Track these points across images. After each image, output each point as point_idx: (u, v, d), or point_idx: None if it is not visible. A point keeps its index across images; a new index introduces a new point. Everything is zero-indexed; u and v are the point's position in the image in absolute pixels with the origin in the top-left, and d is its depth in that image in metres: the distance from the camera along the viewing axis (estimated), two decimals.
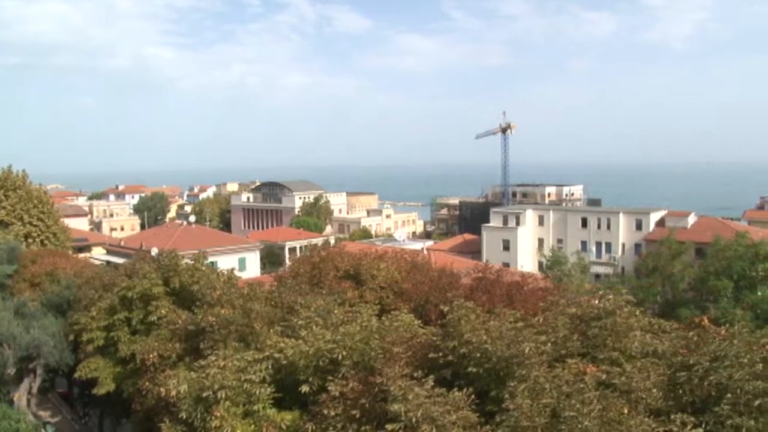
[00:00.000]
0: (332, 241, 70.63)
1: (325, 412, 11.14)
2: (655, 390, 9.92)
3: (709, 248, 38.40)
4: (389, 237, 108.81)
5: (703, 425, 9.24)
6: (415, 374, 10.67)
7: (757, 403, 9.19)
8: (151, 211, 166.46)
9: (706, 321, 11.75)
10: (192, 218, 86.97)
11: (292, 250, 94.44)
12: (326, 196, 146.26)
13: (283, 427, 12.12)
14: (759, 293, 31.83)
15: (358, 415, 10.68)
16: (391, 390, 10.01)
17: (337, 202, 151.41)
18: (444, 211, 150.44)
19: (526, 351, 10.42)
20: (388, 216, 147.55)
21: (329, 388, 11.58)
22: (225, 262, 40.51)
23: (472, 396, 10.07)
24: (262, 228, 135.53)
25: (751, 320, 20.12)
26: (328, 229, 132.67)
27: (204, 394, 12.19)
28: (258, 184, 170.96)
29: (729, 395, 9.48)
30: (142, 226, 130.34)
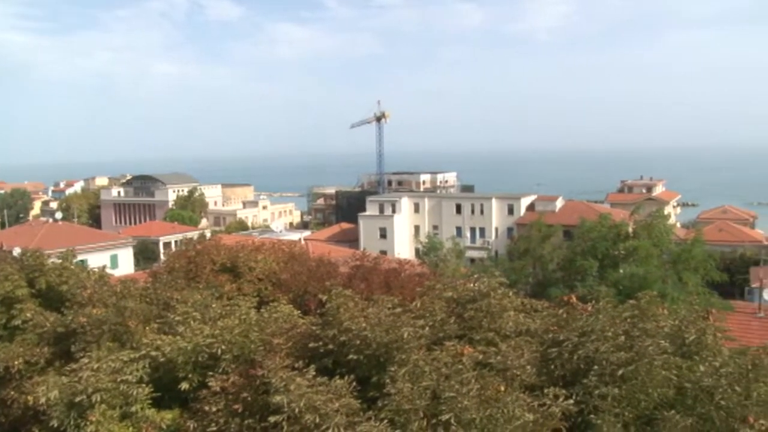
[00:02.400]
0: (208, 234, 69.11)
1: (207, 408, 10.93)
2: (528, 367, 10.33)
3: (576, 230, 40.23)
4: (266, 228, 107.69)
5: (574, 396, 9.70)
6: (297, 365, 10.64)
7: (620, 372, 9.78)
8: (12, 209, 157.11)
9: (574, 299, 12.33)
10: (58, 215, 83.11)
11: (167, 244, 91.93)
12: (201, 189, 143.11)
13: (164, 426, 11.81)
14: (621, 271, 33.65)
15: (240, 409, 10.55)
16: (273, 382, 9.95)
17: (213, 195, 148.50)
18: (321, 200, 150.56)
19: (405, 336, 10.59)
20: (264, 207, 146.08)
21: (210, 383, 11.37)
22: (96, 260, 38.94)
23: (354, 383, 10.15)
24: (135, 223, 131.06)
25: (615, 296, 21.26)
26: (204, 222, 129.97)
27: (77, 399, 11.67)
28: (129, 177, 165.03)
29: (596, 367, 10.03)
30: (2, 225, 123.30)
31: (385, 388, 9.72)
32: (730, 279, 57.83)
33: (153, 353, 12.83)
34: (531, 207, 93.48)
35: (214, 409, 10.80)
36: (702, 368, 10.25)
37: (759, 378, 9.86)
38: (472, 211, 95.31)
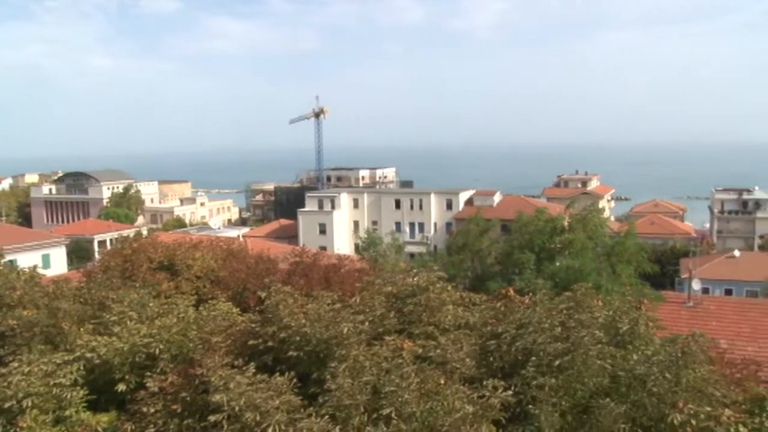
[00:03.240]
0: (145, 232, 67.83)
1: (145, 409, 10.75)
2: (468, 359, 10.46)
3: (513, 224, 40.70)
4: (204, 225, 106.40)
5: (512, 387, 9.87)
6: (236, 362, 10.56)
7: (557, 363, 10.00)
8: None
9: (512, 292, 12.54)
10: None
11: (102, 243, 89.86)
12: (137, 186, 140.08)
13: (99, 429, 11.55)
14: (557, 263, 34.19)
15: (179, 410, 10.41)
16: (212, 380, 9.86)
17: (149, 192, 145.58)
18: (259, 197, 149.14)
19: (345, 331, 10.61)
20: (202, 204, 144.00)
21: (147, 384, 11.18)
22: (26, 260, 37.79)
23: (294, 380, 10.13)
24: (68, 221, 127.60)
25: (551, 288, 21.64)
26: (140, 219, 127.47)
27: (7, 405, 11.29)
28: (61, 174, 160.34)
29: (533, 358, 10.23)
30: None
31: (326, 384, 9.72)
32: (662, 270, 59.47)
33: (88, 355, 12.54)
34: (469, 202, 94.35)
35: (152, 410, 10.64)
36: (635, 357, 10.54)
37: (688, 365, 10.18)
38: (411, 207, 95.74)
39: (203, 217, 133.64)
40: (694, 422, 9.17)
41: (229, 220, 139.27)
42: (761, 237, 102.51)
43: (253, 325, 11.95)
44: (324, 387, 9.79)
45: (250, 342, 11.47)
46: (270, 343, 11.25)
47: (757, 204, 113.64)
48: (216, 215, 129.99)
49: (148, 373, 11.59)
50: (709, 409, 9.44)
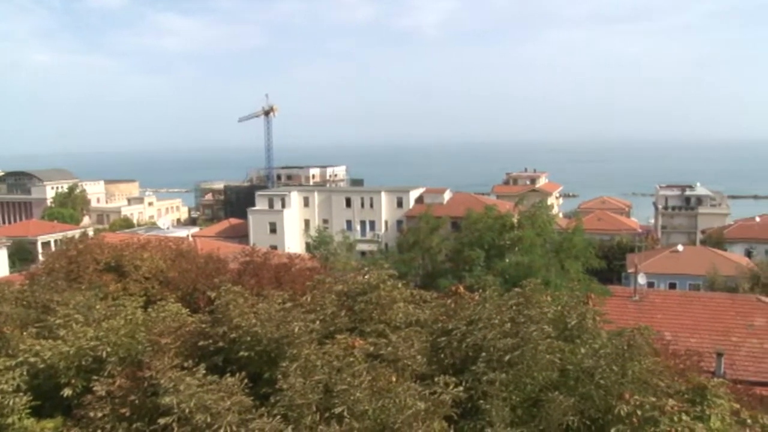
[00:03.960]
0: (91, 233, 66.62)
1: (92, 414, 10.52)
2: (419, 356, 10.51)
3: (463, 222, 40.99)
4: (153, 225, 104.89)
5: (463, 383, 9.96)
6: (186, 364, 10.43)
7: (507, 358, 10.13)
8: None
9: (462, 288, 12.65)
10: None
11: (46, 244, 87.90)
12: (82, 185, 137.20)
13: None
14: (507, 260, 34.54)
15: (128, 413, 10.24)
16: (162, 383, 9.72)
17: (95, 191, 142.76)
18: (209, 196, 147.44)
19: (296, 330, 10.57)
20: (150, 204, 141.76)
21: (95, 388, 10.95)
22: None
23: (246, 380, 10.05)
24: (10, 222, 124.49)
25: (501, 285, 21.86)
26: (86, 220, 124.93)
27: None
28: (1, 174, 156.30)
29: (484, 354, 10.34)
30: None
31: (278, 383, 9.67)
32: (609, 265, 60.64)
33: (31, 359, 12.22)
34: (420, 200, 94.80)
35: (99, 414, 10.43)
36: (583, 351, 10.74)
37: (634, 357, 10.43)
38: (362, 205, 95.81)
39: (151, 217, 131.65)
40: (639, 412, 9.38)
41: (179, 220, 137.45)
42: (703, 232, 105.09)
43: (203, 326, 11.83)
44: (276, 387, 9.74)
45: (201, 343, 11.35)
46: (220, 344, 11.15)
47: (699, 200, 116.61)
48: (165, 215, 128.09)
49: (95, 377, 11.35)
50: (653, 399, 9.67)
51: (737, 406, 10.60)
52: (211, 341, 11.25)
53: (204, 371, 10.02)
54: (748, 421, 9.90)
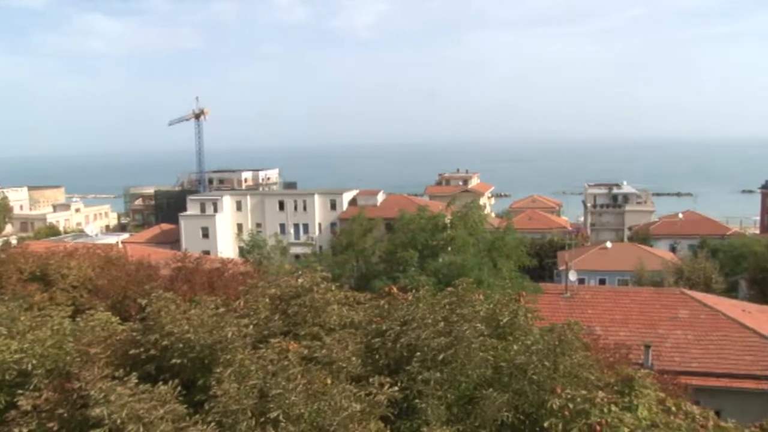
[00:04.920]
0: (14, 242, 64.47)
1: (16, 430, 10.19)
2: (354, 358, 10.52)
3: (396, 223, 41.16)
4: (80, 232, 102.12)
5: (399, 383, 10.01)
6: (117, 374, 10.20)
7: (441, 357, 10.23)
8: None
9: (395, 289, 12.71)
10: None
11: None
12: (3, 192, 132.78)
13: None
14: (440, 260, 34.79)
15: (56, 427, 9.94)
16: (91, 394, 9.47)
17: (18, 198, 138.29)
18: (139, 201, 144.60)
19: (229, 335, 10.46)
20: (77, 210, 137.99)
21: (19, 402, 10.58)
22: None
23: (179, 388, 9.89)
24: None
25: (435, 284, 22.03)
26: (9, 228, 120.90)
27: None
28: None
29: (418, 353, 10.42)
30: None
31: (212, 390, 9.55)
32: (540, 263, 61.72)
33: None
34: (353, 202, 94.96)
35: (25, 430, 10.10)
36: (515, 347, 10.93)
37: (565, 352, 10.67)
38: (295, 208, 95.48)
39: (79, 223, 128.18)
40: (571, 405, 9.60)
41: (108, 227, 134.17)
42: (630, 229, 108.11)
43: (134, 334, 11.60)
44: (210, 393, 9.62)
45: (132, 351, 11.12)
46: (152, 352, 10.94)
47: (626, 198, 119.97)
48: (93, 221, 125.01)
49: (20, 391, 10.97)
50: (584, 392, 9.91)
51: (663, 395, 10.96)
52: (142, 349, 11.04)
53: (136, 380, 9.82)
54: (673, 408, 10.24)
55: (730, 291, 54.35)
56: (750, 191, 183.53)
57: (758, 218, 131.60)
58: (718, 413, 13.81)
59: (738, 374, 28.76)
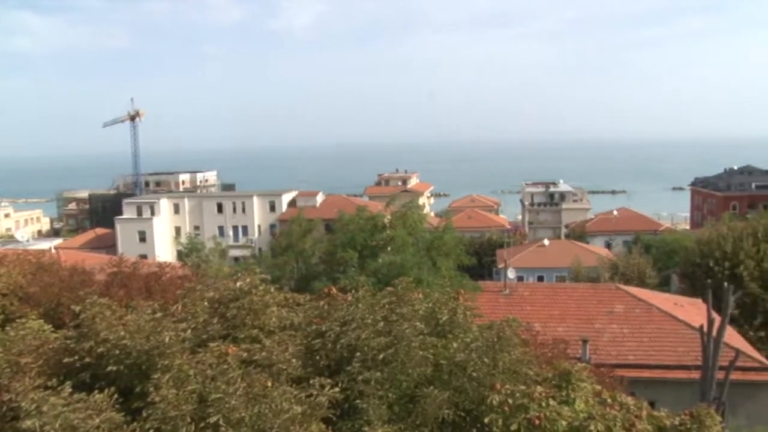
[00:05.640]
0: None
1: None
2: (294, 360, 10.46)
3: (335, 223, 41.11)
4: (10, 238, 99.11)
5: (339, 384, 10.00)
6: (50, 383, 9.94)
7: (381, 356, 10.26)
8: None
9: (334, 290, 12.70)
10: None
11: None
12: None
13: None
14: (379, 260, 34.85)
15: None
16: (23, 405, 9.20)
17: None
18: (73, 205, 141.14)
19: (167, 340, 10.29)
20: (7, 215, 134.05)
21: None
22: None
23: (116, 395, 9.68)
24: None
25: (375, 284, 22.06)
26: None
27: None
28: None
29: (358, 354, 10.43)
30: None
31: (150, 396, 9.38)
32: (480, 261, 62.45)
33: None
34: (293, 203, 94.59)
35: None
36: (455, 345, 11.03)
37: (503, 348, 10.82)
38: (234, 210, 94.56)
39: (8, 229, 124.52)
40: (510, 401, 9.74)
41: (40, 232, 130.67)
42: (567, 226, 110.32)
43: (68, 342, 11.32)
44: (148, 400, 9.45)
45: (65, 360, 10.85)
46: (87, 359, 10.70)
47: (562, 196, 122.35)
48: (24, 227, 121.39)
49: None
50: (523, 387, 10.06)
51: (599, 387, 11.20)
52: (77, 357, 10.79)
53: (70, 389, 9.57)
54: (609, 400, 10.48)
55: (663, 285, 55.93)
56: (680, 188, 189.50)
57: (688, 214, 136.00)
58: (652, 403, 14.18)
59: (671, 365, 29.62)
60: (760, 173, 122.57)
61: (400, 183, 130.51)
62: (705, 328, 25.75)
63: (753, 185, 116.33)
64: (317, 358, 10.93)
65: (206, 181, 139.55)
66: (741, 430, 14.25)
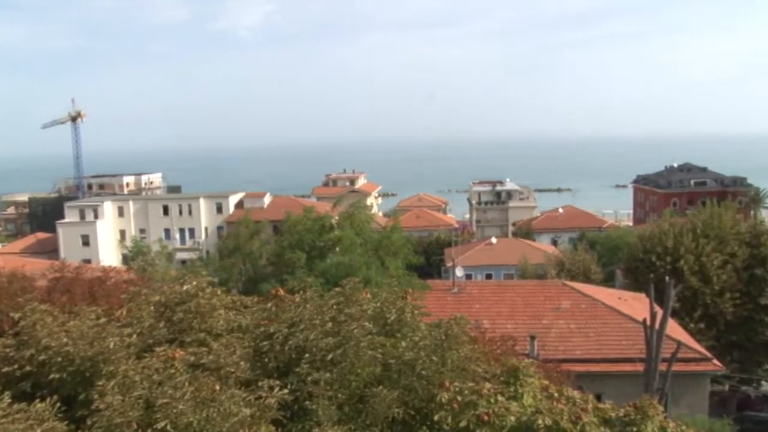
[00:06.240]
0: None
1: None
2: (242, 362, 10.36)
3: (283, 225, 40.98)
4: None
5: (289, 386, 9.95)
6: None
7: (330, 357, 10.23)
8: None
9: (282, 291, 12.62)
10: None
11: None
12: None
13: None
14: (328, 260, 34.86)
15: None
16: None
17: None
18: (11, 209, 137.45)
19: (111, 346, 10.11)
20: None
21: None
22: None
23: (59, 404, 9.47)
24: None
25: (323, 285, 22.06)
26: None
27: None
28: None
29: (307, 355, 10.38)
30: None
31: (94, 404, 9.19)
32: (428, 261, 62.89)
33: None
34: (240, 205, 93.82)
35: None
36: (404, 344, 11.06)
37: (452, 346, 10.90)
38: (180, 212, 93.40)
39: None
40: (459, 398, 9.81)
41: None
42: (514, 224, 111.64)
43: (7, 350, 11.02)
44: (92, 407, 9.25)
45: (4, 369, 10.57)
46: (28, 368, 10.44)
47: (509, 195, 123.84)
48: None
49: None
50: (472, 384, 10.15)
51: (546, 382, 11.36)
52: (16, 366, 10.52)
53: (9, 400, 9.32)
54: (555, 395, 10.63)
55: (608, 280, 57.04)
56: (623, 186, 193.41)
57: (631, 211, 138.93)
58: (599, 397, 14.48)
59: (616, 359, 30.26)
60: (698, 170, 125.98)
61: (347, 183, 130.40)
62: (648, 322, 26.37)
63: (692, 182, 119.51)
64: (266, 360, 10.85)
65: (151, 183, 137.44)
66: (683, 420, 14.61)
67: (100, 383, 9.51)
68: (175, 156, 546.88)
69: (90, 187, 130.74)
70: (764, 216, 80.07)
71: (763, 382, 49.91)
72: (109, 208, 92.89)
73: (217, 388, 9.46)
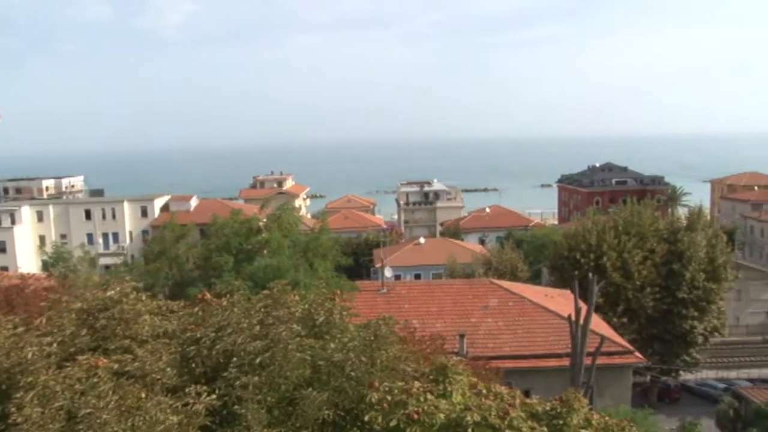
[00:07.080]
0: None
1: None
2: (168, 369, 10.15)
3: (209, 228, 40.47)
4: None
5: (217, 391, 9.80)
6: None
7: (258, 360, 10.12)
8: None
9: (208, 295, 12.43)
10: None
11: None
12: None
13: None
14: (255, 263, 34.56)
15: None
16: None
17: None
18: None
19: (30, 356, 9.77)
20: None
21: None
22: None
23: None
24: None
25: (252, 288, 21.83)
26: None
27: None
28: None
29: (235, 359, 10.24)
30: None
31: (11, 417, 8.87)
32: (357, 262, 62.88)
33: None
34: (165, 208, 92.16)
35: None
36: (333, 345, 11.03)
37: (381, 346, 10.94)
38: (104, 216, 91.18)
39: None
40: (389, 398, 9.85)
41: None
42: (442, 224, 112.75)
43: None
44: (9, 421, 8.93)
45: None
46: None
47: (437, 195, 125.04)
48: None
49: None
50: (401, 383, 10.20)
51: (475, 380, 11.51)
52: None
53: None
54: (484, 391, 10.78)
55: (535, 278, 58.27)
56: (548, 185, 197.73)
57: (556, 210, 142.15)
58: (527, 392, 14.73)
59: (543, 354, 30.91)
60: (619, 170, 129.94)
61: (275, 185, 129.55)
62: (573, 317, 27.03)
63: (613, 181, 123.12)
64: (193, 365, 10.66)
65: (72, 186, 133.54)
66: (607, 411, 15.03)
67: (18, 395, 9.17)
68: (98, 159, 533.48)
69: (6, 191, 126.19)
70: (681, 213, 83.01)
71: (682, 372, 51.80)
72: (27, 212, 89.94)
73: (143, 395, 9.26)
